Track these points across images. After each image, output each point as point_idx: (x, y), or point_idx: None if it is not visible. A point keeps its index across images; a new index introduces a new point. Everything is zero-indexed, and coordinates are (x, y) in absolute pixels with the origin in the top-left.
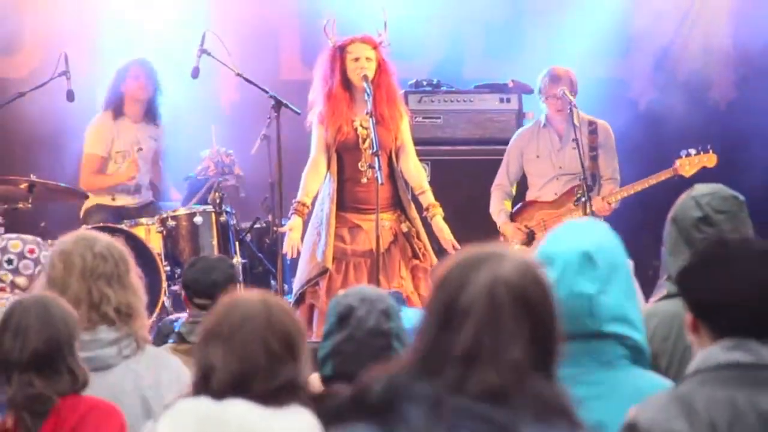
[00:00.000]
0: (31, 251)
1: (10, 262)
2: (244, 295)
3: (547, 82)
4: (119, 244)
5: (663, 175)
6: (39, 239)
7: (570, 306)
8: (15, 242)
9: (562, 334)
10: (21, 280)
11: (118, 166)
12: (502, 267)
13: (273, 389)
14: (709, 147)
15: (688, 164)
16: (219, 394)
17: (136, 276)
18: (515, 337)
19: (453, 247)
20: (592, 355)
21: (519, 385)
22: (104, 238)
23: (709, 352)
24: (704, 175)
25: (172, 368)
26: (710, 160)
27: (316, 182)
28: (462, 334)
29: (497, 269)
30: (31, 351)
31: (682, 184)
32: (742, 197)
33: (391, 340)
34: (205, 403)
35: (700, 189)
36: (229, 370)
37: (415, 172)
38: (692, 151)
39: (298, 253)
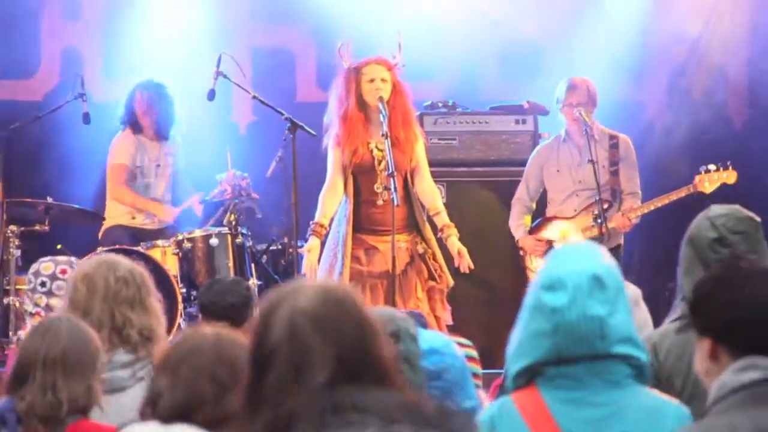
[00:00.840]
0: (63, 272)
1: (43, 284)
2: (200, 328)
3: (565, 91)
4: (141, 269)
5: (683, 192)
6: (72, 259)
7: (582, 329)
8: (47, 264)
9: (379, 347)
10: (55, 302)
11: (140, 181)
12: (298, 299)
13: (220, 417)
14: (729, 163)
15: (707, 180)
16: (165, 419)
17: (156, 300)
18: (320, 362)
19: (468, 267)
20: (600, 376)
21: (333, 406)
22: (126, 262)
23: (722, 381)
24: (723, 192)
25: None
26: (730, 176)
27: (334, 204)
28: (272, 373)
29: (294, 302)
30: (61, 349)
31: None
32: (758, 218)
33: (400, 362)
34: (152, 427)
35: (716, 210)
36: (175, 397)
37: (430, 193)
38: (712, 167)
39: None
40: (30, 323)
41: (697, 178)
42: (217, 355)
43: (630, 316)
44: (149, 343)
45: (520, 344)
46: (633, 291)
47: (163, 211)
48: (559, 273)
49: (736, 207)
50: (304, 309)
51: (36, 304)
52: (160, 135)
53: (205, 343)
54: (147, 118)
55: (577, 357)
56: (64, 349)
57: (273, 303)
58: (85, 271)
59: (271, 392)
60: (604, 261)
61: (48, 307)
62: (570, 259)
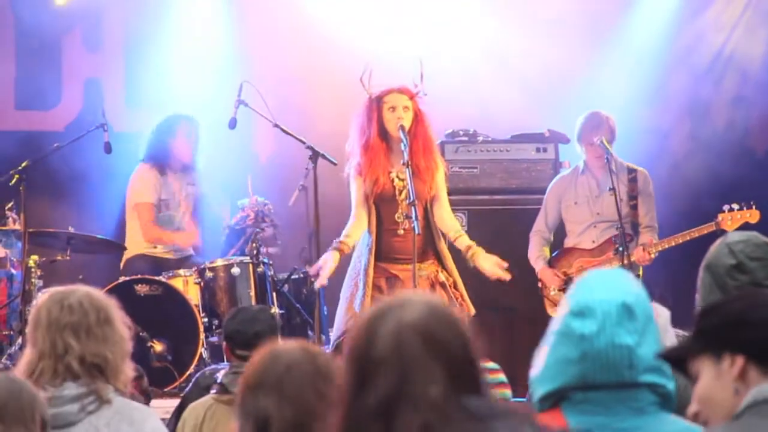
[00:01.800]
0: None
1: None
2: (282, 345)
3: (584, 128)
4: (99, 296)
5: (705, 229)
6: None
7: (609, 357)
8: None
9: (478, 361)
10: None
11: (164, 212)
12: (406, 313)
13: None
14: (752, 203)
15: (730, 219)
16: None
17: (118, 326)
18: (430, 377)
19: (507, 270)
20: (625, 403)
21: (445, 421)
22: (84, 291)
23: (763, 387)
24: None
25: (135, 421)
26: (753, 216)
27: (359, 231)
28: (377, 387)
29: (401, 316)
30: None
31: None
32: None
33: None
34: None
35: (734, 236)
36: (285, 417)
37: (449, 220)
38: (735, 206)
39: (336, 303)
40: None
41: (720, 217)
42: (315, 368)
43: (658, 344)
44: (96, 370)
45: (547, 368)
46: (664, 315)
47: (188, 237)
48: (589, 300)
49: (754, 233)
50: (412, 322)
51: None
52: (184, 170)
53: (299, 357)
54: (181, 156)
55: (603, 384)
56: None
57: (377, 315)
58: (36, 304)
59: (376, 406)
60: (634, 289)
61: None
62: (600, 286)
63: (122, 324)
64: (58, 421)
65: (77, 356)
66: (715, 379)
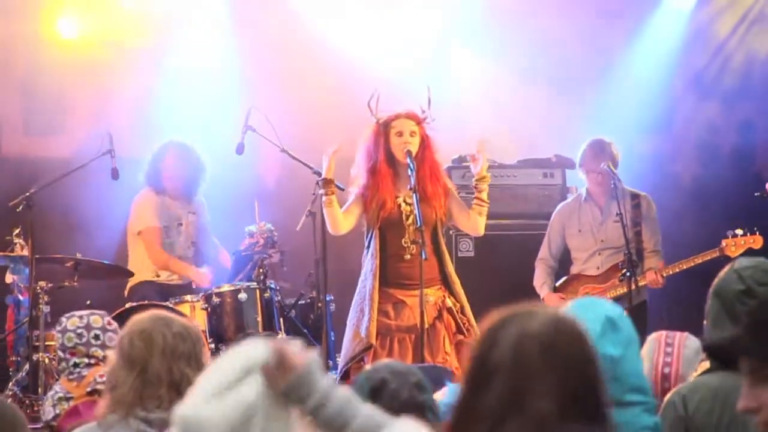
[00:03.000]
0: (110, 323)
1: (97, 337)
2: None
3: (587, 155)
4: (194, 325)
5: (709, 255)
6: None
7: None
8: (95, 317)
9: (602, 384)
10: (110, 353)
11: (164, 240)
12: (530, 322)
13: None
14: (755, 229)
15: (734, 245)
16: None
17: (208, 356)
18: (542, 390)
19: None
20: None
21: None
22: (179, 318)
23: None
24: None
25: None
26: (757, 241)
27: (342, 221)
28: (491, 393)
29: (525, 325)
30: None
31: (722, 260)
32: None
33: (425, 412)
34: None
35: (742, 262)
36: None
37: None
38: (739, 232)
39: (344, 329)
40: (64, 378)
41: (724, 243)
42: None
43: (640, 364)
44: None
45: None
46: (692, 347)
47: (199, 276)
48: (575, 314)
49: (762, 259)
50: (534, 333)
51: (95, 356)
52: (184, 197)
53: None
54: (172, 182)
55: None
56: None
57: (503, 321)
58: (141, 326)
59: (488, 411)
60: (619, 309)
61: (106, 359)
62: (585, 304)
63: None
64: None
65: (192, 385)
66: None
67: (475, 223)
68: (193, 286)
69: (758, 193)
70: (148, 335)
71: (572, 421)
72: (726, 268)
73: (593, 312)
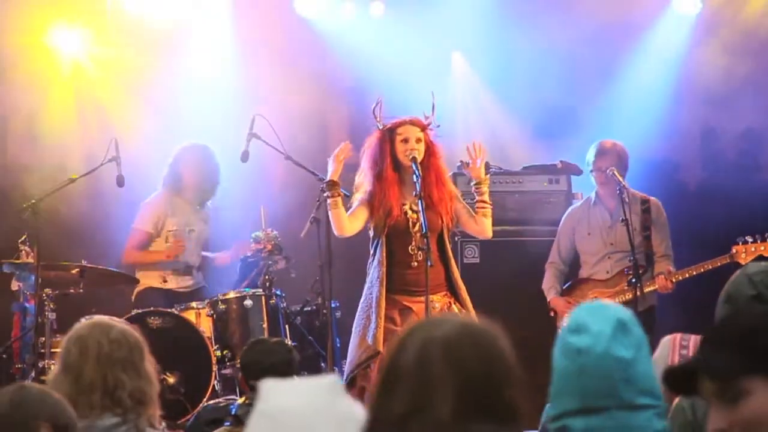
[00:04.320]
0: None
1: None
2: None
3: (595, 155)
4: (134, 331)
5: (719, 261)
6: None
7: (605, 368)
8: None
9: (512, 386)
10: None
11: (168, 244)
12: (437, 330)
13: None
14: (766, 235)
15: (744, 252)
16: None
17: (150, 363)
18: (445, 394)
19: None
20: (628, 430)
21: None
22: (119, 324)
23: None
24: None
25: None
26: (767, 248)
27: (349, 223)
28: (395, 399)
29: (431, 331)
30: None
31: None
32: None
33: None
34: None
35: (754, 267)
36: None
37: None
38: (749, 239)
39: (349, 335)
40: None
41: (734, 249)
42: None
43: (651, 367)
44: (140, 406)
45: (552, 386)
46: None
47: (170, 249)
48: (585, 317)
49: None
50: (438, 338)
51: None
52: (198, 202)
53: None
54: (192, 184)
55: (601, 407)
56: None
57: (412, 329)
58: (79, 333)
59: (393, 416)
60: (627, 312)
61: None
62: (595, 307)
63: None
64: None
65: (128, 392)
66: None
67: (482, 226)
68: (203, 284)
69: None
70: (83, 342)
71: (477, 422)
72: (737, 273)
73: (603, 314)
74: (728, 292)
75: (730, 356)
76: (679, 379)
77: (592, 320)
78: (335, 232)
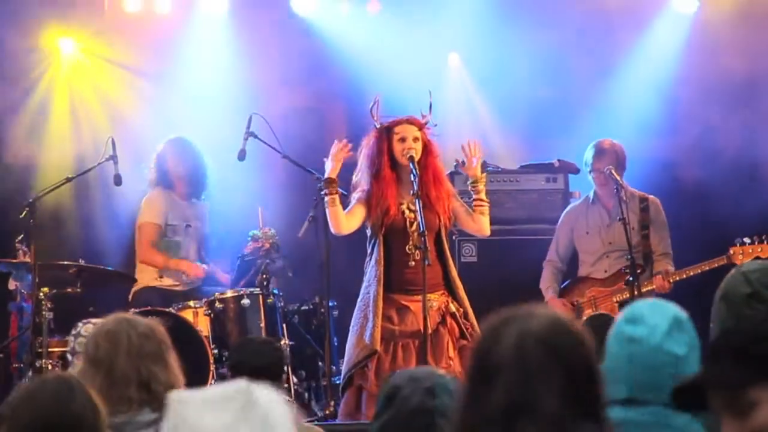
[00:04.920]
0: None
1: None
2: None
3: (593, 155)
4: (160, 326)
5: (716, 262)
6: None
7: (656, 361)
8: None
9: (601, 380)
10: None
11: (171, 238)
12: (530, 322)
13: None
14: (764, 237)
15: (742, 253)
16: None
17: (174, 358)
18: (550, 389)
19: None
20: (667, 429)
21: None
22: (144, 319)
23: None
24: None
25: None
26: (765, 250)
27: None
28: (495, 392)
29: (525, 325)
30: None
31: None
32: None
33: (435, 418)
34: None
35: (750, 265)
36: None
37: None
38: (747, 240)
39: (347, 334)
40: None
41: (732, 250)
42: None
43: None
44: None
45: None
46: None
47: (192, 267)
48: (642, 309)
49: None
50: (536, 332)
51: None
52: (192, 191)
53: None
54: (178, 176)
55: (646, 400)
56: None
57: (501, 322)
58: (108, 327)
59: (495, 413)
60: (685, 314)
61: None
62: (655, 303)
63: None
64: None
65: (163, 385)
66: None
67: (480, 224)
68: (185, 278)
69: None
70: (113, 335)
71: (575, 418)
72: (733, 271)
73: (662, 310)
74: (724, 290)
75: (736, 367)
76: (687, 395)
77: (650, 313)
78: (332, 230)
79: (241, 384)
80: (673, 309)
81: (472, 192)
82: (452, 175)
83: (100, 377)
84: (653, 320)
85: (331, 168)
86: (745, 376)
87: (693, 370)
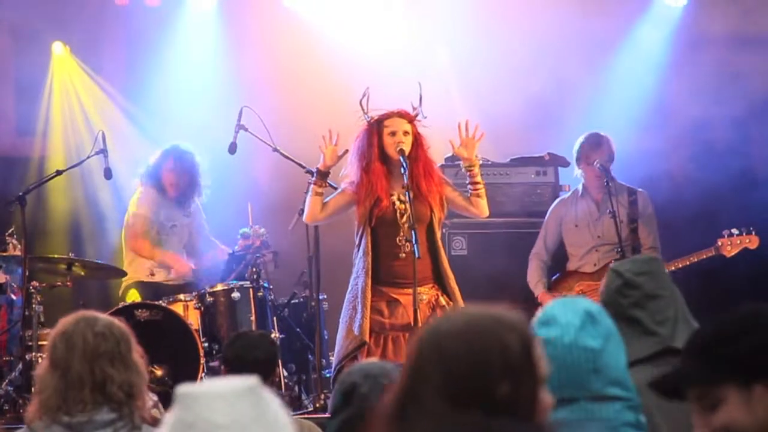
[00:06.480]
0: None
1: None
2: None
3: (583, 148)
4: (120, 324)
5: (704, 254)
6: None
7: (573, 358)
8: None
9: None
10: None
11: (154, 237)
12: (445, 323)
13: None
14: (751, 228)
15: (729, 244)
16: None
17: (137, 355)
18: (430, 387)
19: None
20: (597, 422)
21: None
22: (105, 317)
23: None
24: (745, 255)
25: None
26: (752, 241)
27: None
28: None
29: (438, 326)
30: None
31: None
32: (658, 257)
33: None
34: None
35: (620, 264)
36: None
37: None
38: (735, 232)
39: (337, 327)
40: None
41: (719, 242)
42: None
43: (623, 357)
44: (131, 399)
45: None
46: None
47: (178, 261)
48: (554, 311)
49: (639, 255)
50: (438, 328)
51: None
52: (183, 199)
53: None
54: (172, 187)
55: (572, 398)
56: None
57: (426, 326)
58: (64, 328)
59: (393, 408)
60: (597, 306)
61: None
62: (564, 302)
63: (137, 352)
64: None
65: (117, 385)
66: (743, 407)
67: (479, 206)
68: (172, 275)
69: None
70: (68, 337)
71: (465, 413)
72: (606, 275)
73: (573, 307)
74: (602, 298)
75: (703, 365)
76: (666, 385)
77: (562, 312)
78: (305, 217)
79: (249, 381)
80: (585, 303)
81: (467, 177)
82: (443, 168)
83: (56, 378)
84: (564, 319)
85: (323, 163)
86: (711, 375)
87: (613, 360)
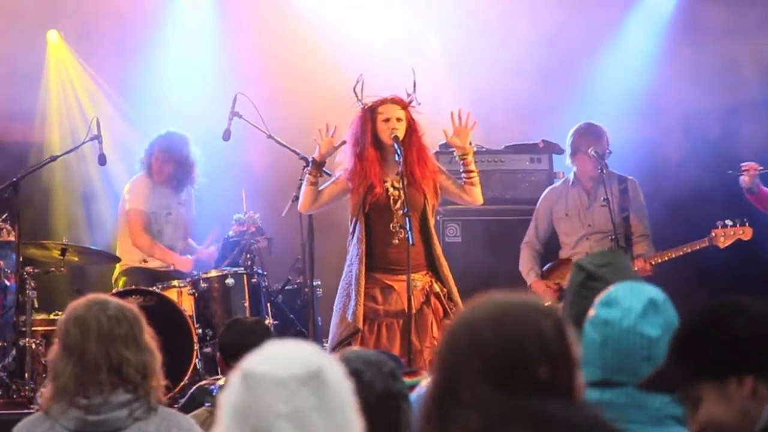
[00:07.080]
0: None
1: None
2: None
3: (576, 138)
4: (131, 306)
5: (698, 245)
6: None
7: (628, 343)
8: None
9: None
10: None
11: (151, 227)
12: (475, 310)
13: None
14: (745, 220)
15: (723, 235)
16: None
17: (149, 336)
18: (472, 371)
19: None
20: (643, 410)
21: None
22: (115, 300)
23: None
24: (738, 247)
25: (183, 428)
26: (746, 233)
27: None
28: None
29: (468, 313)
30: None
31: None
32: (620, 250)
33: (400, 401)
34: None
35: (583, 259)
36: None
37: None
38: (729, 223)
39: (331, 314)
40: None
41: (713, 233)
42: None
43: None
44: (146, 380)
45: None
46: None
47: (179, 261)
48: (617, 292)
49: (602, 249)
50: (472, 319)
51: None
52: (174, 187)
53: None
54: (163, 172)
55: (621, 382)
56: None
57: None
58: (77, 313)
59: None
60: (662, 294)
61: None
62: (632, 286)
63: (149, 333)
64: (106, 426)
65: (134, 367)
66: (720, 402)
67: (472, 194)
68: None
69: (730, 171)
70: (83, 322)
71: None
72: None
73: (638, 292)
74: (567, 299)
75: (681, 365)
76: (651, 389)
77: (625, 296)
78: (300, 207)
79: (313, 365)
80: (651, 290)
81: (461, 165)
82: (437, 155)
83: (71, 363)
84: (628, 303)
85: (318, 153)
86: (690, 374)
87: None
